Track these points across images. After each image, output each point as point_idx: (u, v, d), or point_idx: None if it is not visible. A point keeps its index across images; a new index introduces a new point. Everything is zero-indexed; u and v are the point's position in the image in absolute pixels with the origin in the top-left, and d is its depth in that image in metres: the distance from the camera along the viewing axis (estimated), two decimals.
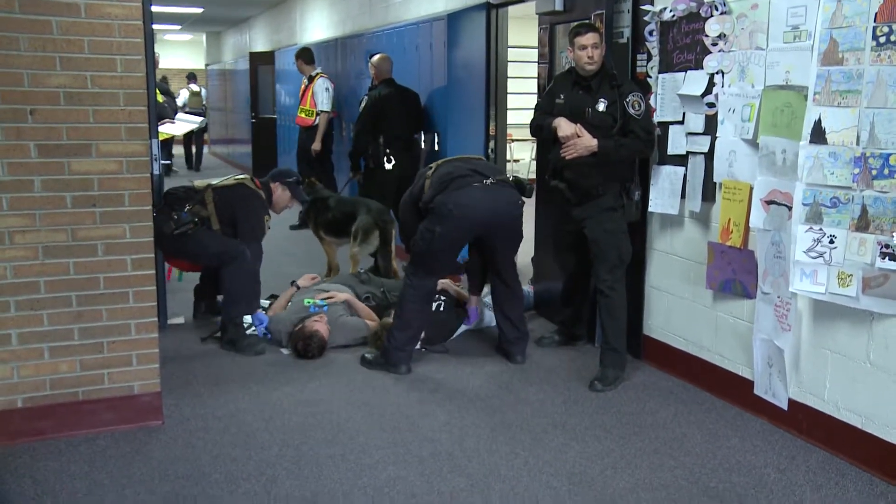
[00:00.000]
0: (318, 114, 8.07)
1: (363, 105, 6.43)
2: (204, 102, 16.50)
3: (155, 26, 5.14)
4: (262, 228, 4.75)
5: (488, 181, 4.15)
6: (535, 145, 6.24)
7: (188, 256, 4.74)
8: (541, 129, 4.22)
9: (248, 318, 4.75)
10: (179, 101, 14.56)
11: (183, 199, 4.57)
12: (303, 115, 8.21)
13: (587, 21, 4.22)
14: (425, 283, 4.22)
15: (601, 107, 3.97)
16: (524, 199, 4.31)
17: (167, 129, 7.13)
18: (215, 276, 4.77)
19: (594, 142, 3.94)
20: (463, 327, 4.84)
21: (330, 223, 6.00)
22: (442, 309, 4.70)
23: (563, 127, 4.01)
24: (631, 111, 3.90)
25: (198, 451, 3.33)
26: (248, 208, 4.69)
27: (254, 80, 12.96)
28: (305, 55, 8.40)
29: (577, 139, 3.97)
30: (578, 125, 3.98)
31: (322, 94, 8.06)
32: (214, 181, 4.75)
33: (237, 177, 4.86)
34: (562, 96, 4.14)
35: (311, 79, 8.21)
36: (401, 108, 6.32)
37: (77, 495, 2.96)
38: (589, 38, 3.95)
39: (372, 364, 4.30)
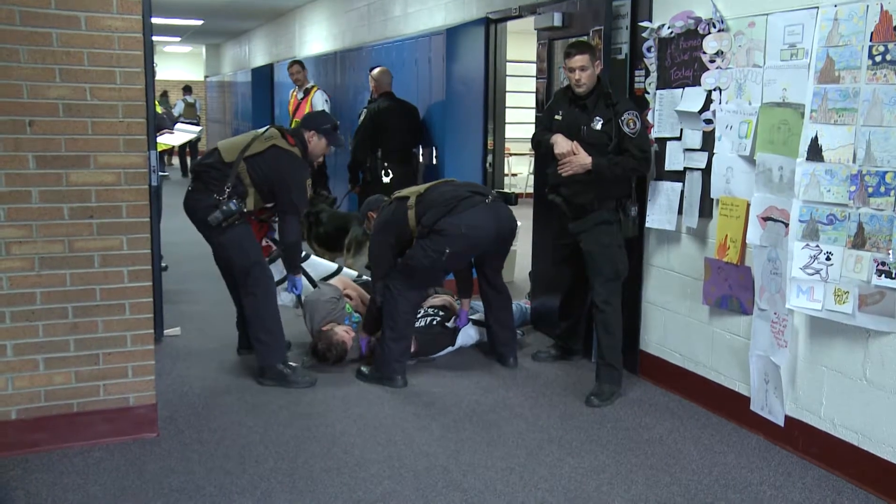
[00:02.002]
0: None
1: (362, 118, 6.44)
2: (198, 113, 16.65)
3: (155, 38, 5.17)
4: (305, 198, 4.33)
5: (489, 199, 4.26)
6: (532, 159, 6.26)
7: (214, 246, 4.25)
8: (539, 145, 4.27)
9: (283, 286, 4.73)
10: (175, 112, 14.67)
11: (221, 180, 4.09)
12: None
13: (580, 40, 4.21)
14: (418, 293, 4.35)
15: (597, 125, 3.99)
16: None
17: (166, 140, 7.13)
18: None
19: (589, 159, 3.96)
20: (457, 344, 4.84)
21: (322, 237, 6.03)
22: (435, 323, 4.74)
23: (560, 144, 4.03)
24: (626, 129, 3.91)
25: (192, 463, 3.32)
26: (287, 178, 4.17)
27: (272, 93, 13.05)
28: (301, 64, 8.39)
29: (573, 157, 3.99)
30: (575, 143, 4.00)
31: (322, 107, 8.06)
32: (243, 145, 4.16)
33: (265, 136, 4.22)
34: (560, 112, 4.16)
35: (307, 91, 8.19)
36: (399, 121, 6.33)
37: None
38: (577, 61, 3.96)
39: (368, 378, 4.30)
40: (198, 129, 7.84)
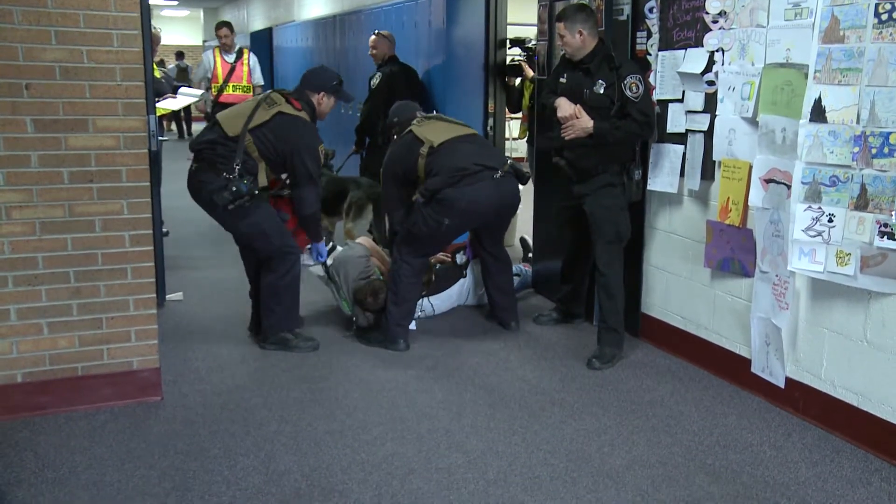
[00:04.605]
0: (255, 88, 7.92)
1: (377, 82, 6.30)
2: (190, 77, 16.68)
3: (151, 1, 5.10)
4: (319, 165, 4.08)
5: (497, 174, 4.17)
6: (524, 124, 6.22)
7: (234, 232, 4.10)
8: (545, 108, 4.26)
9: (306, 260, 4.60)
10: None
11: (228, 157, 3.87)
12: (241, 92, 7.84)
13: (567, 6, 4.11)
14: (421, 260, 4.35)
15: (599, 88, 3.95)
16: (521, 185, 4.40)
17: (168, 105, 7.05)
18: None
19: (591, 123, 3.94)
20: (462, 291, 4.89)
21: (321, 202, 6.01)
22: (438, 267, 4.90)
23: (563, 107, 4.02)
24: (628, 93, 3.87)
25: (196, 426, 3.34)
26: (298, 146, 3.95)
27: (271, 57, 12.95)
28: (232, 27, 8.14)
29: (575, 120, 3.97)
30: (578, 106, 3.98)
31: (258, 68, 7.97)
32: (245, 115, 3.94)
33: (268, 102, 4.00)
34: (565, 76, 4.14)
35: (239, 53, 7.96)
36: (406, 84, 6.28)
37: (77, 469, 2.97)
38: (558, 27, 4.00)
39: (370, 341, 4.32)
40: (199, 92, 7.74)
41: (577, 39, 3.96)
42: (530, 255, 5.64)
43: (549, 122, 4.27)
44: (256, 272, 4.24)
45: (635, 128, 3.93)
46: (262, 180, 3.94)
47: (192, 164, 4.00)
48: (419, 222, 4.18)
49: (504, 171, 4.20)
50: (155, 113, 4.62)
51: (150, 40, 4.46)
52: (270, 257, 4.07)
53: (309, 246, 4.44)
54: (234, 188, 3.81)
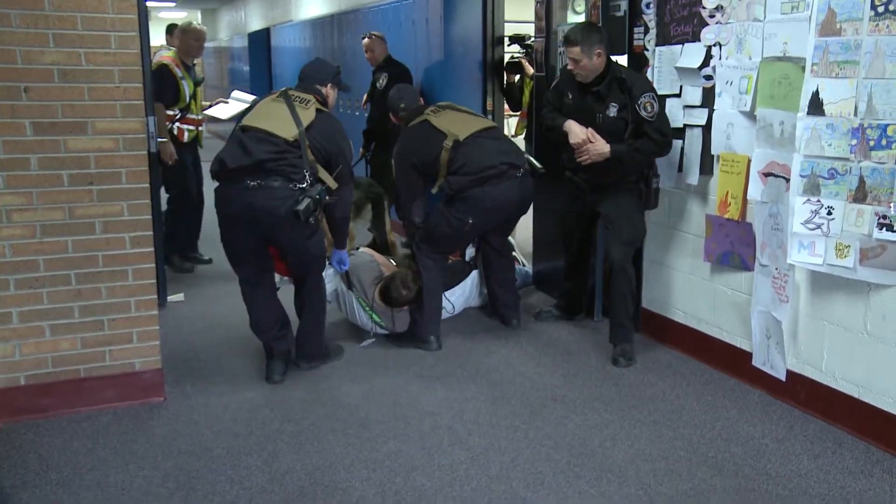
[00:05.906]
0: None
1: (385, 83, 6.17)
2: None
3: (149, 3, 5.07)
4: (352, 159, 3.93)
5: (519, 173, 4.17)
6: (522, 120, 6.20)
7: (303, 252, 3.69)
8: (551, 131, 4.17)
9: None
10: None
11: (297, 165, 3.49)
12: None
13: (577, 27, 3.93)
14: (443, 257, 4.40)
15: (612, 112, 3.90)
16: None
17: (219, 112, 6.78)
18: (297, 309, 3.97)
19: (607, 148, 3.90)
20: (474, 284, 4.89)
21: None
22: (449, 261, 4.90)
23: (575, 132, 3.96)
24: (643, 113, 3.80)
25: (200, 426, 3.35)
26: (342, 145, 3.71)
27: (268, 58, 12.97)
28: None
29: (590, 145, 3.93)
30: (590, 130, 3.93)
31: None
32: (288, 116, 3.57)
33: (301, 100, 3.66)
34: (570, 95, 4.06)
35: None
36: (406, 83, 6.28)
37: (81, 471, 2.98)
38: (572, 52, 3.83)
39: (404, 342, 4.31)
40: (251, 98, 7.40)
41: (596, 62, 3.85)
42: (514, 252, 5.63)
43: (557, 136, 4.12)
44: (270, 304, 3.89)
45: (653, 147, 3.88)
46: (331, 182, 3.61)
47: (249, 181, 3.47)
48: (441, 223, 4.19)
49: (525, 170, 4.21)
50: (154, 114, 4.61)
51: (147, 42, 4.45)
52: (317, 277, 3.90)
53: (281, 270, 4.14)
54: (316, 196, 3.46)
